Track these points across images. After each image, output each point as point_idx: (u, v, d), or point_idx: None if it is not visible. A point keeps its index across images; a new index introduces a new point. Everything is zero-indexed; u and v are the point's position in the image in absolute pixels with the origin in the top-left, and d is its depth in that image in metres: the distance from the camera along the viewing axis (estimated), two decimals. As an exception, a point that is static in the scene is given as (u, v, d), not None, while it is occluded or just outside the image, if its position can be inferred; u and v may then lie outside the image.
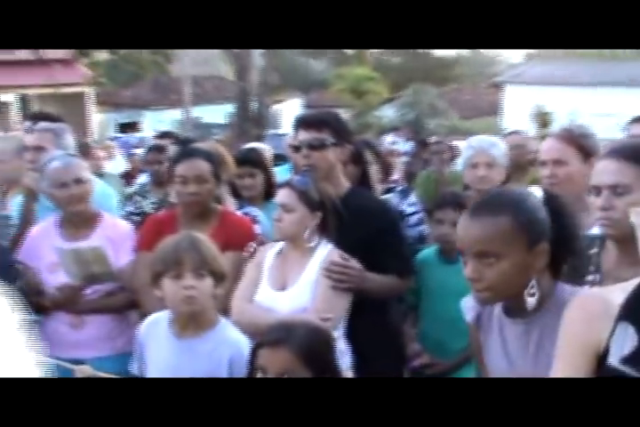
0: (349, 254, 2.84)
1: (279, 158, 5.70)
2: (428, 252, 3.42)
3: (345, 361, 2.71)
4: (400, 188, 4.34)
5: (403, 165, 7.73)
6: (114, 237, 3.28)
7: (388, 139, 9.55)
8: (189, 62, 24.29)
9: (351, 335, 2.85)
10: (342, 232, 2.86)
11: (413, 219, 3.96)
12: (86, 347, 3.14)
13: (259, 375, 2.10)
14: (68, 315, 3.21)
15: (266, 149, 4.43)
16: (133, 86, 30.03)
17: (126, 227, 3.42)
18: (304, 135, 3.04)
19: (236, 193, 3.91)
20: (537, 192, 1.97)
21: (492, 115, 25.83)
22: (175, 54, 23.79)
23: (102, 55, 25.53)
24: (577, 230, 1.98)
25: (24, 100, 24.84)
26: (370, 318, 2.91)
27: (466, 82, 33.28)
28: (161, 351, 2.58)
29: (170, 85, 28.64)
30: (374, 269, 2.89)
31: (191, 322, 2.54)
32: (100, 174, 6.68)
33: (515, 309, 1.97)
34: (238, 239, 3.16)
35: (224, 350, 2.51)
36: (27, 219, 3.54)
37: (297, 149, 3.07)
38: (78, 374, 1.96)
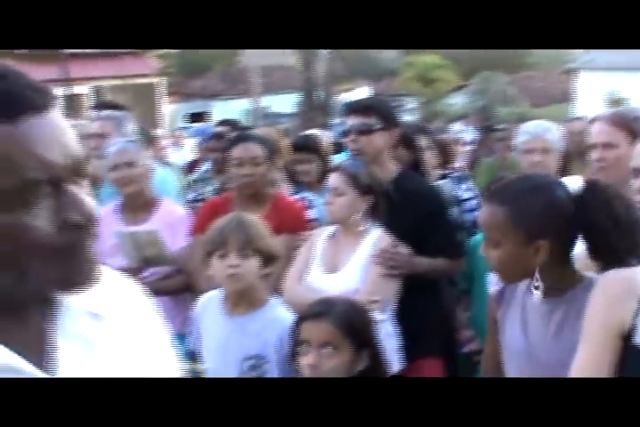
0: (399, 237, 2.86)
1: (343, 146, 5.72)
2: (482, 236, 3.39)
3: (392, 343, 2.73)
4: (456, 174, 4.32)
5: (468, 153, 7.65)
6: (171, 222, 3.37)
7: (456, 127, 9.47)
8: (257, 52, 24.47)
9: (402, 318, 2.87)
10: (392, 215, 2.89)
11: (469, 204, 3.95)
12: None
13: (303, 348, 2.17)
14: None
15: (324, 135, 4.47)
16: (202, 77, 30.45)
17: (183, 212, 3.51)
18: (352, 120, 3.08)
19: (293, 178, 3.96)
20: (577, 182, 1.93)
21: (565, 102, 25.29)
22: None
23: (172, 46, 25.87)
24: (616, 220, 1.85)
25: (97, 92, 25.48)
26: (421, 300, 2.95)
27: (539, 69, 32.62)
28: (213, 329, 2.66)
29: (238, 75, 28.92)
30: (424, 251, 2.91)
31: (241, 301, 2.60)
32: (164, 163, 6.87)
33: (539, 288, 1.95)
34: (291, 223, 3.22)
35: (272, 330, 2.56)
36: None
37: (346, 134, 3.12)
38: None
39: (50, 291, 0.94)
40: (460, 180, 4.11)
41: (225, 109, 28.39)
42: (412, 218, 2.95)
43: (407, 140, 3.48)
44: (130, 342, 1.07)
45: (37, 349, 0.94)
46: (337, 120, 16.63)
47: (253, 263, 2.54)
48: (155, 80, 27.21)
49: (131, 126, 4.07)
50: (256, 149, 3.28)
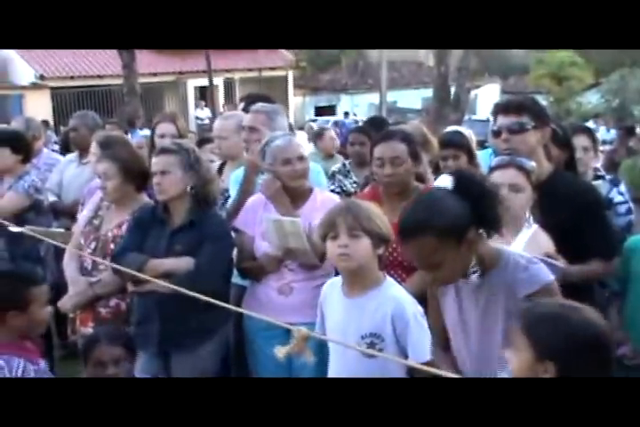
0: (552, 235, 2.84)
1: (477, 144, 5.69)
2: (637, 239, 3.34)
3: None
4: (609, 176, 4.24)
5: (605, 153, 7.43)
6: (323, 211, 3.45)
7: (589, 125, 9.21)
8: (387, 46, 24.41)
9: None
10: (545, 213, 2.88)
11: (622, 208, 3.87)
12: (293, 312, 3.32)
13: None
14: (277, 282, 3.43)
15: (470, 132, 4.45)
16: (331, 70, 30.68)
17: (335, 201, 3.57)
18: (503, 120, 3.08)
19: (441, 174, 3.98)
20: (445, 181, 2.20)
21: None
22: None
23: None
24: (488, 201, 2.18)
25: (229, 84, 26.14)
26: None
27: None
28: (334, 310, 2.82)
29: (367, 70, 29.02)
30: (578, 250, 2.88)
31: (357, 282, 2.75)
32: (330, 155, 7.02)
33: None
34: None
35: (387, 307, 2.69)
36: (246, 190, 3.80)
37: (497, 133, 3.11)
38: (295, 335, 2.12)
39: None
40: (614, 183, 4.03)
41: (352, 103, 28.59)
42: (565, 216, 2.92)
43: (562, 140, 3.44)
44: None
45: None
46: (469, 116, 16.51)
47: (364, 244, 2.67)
48: (285, 73, 27.66)
49: (283, 119, 4.15)
50: (398, 148, 3.31)
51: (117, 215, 3.76)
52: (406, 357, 2.64)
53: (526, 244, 2.81)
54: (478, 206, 2.16)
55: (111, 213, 3.81)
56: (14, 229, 3.47)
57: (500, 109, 3.16)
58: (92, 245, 3.74)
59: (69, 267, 3.79)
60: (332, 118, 22.05)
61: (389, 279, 2.82)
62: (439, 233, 2.12)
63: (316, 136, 7.67)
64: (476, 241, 2.19)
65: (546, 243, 2.82)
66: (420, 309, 2.70)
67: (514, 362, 1.91)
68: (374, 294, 2.73)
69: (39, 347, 2.96)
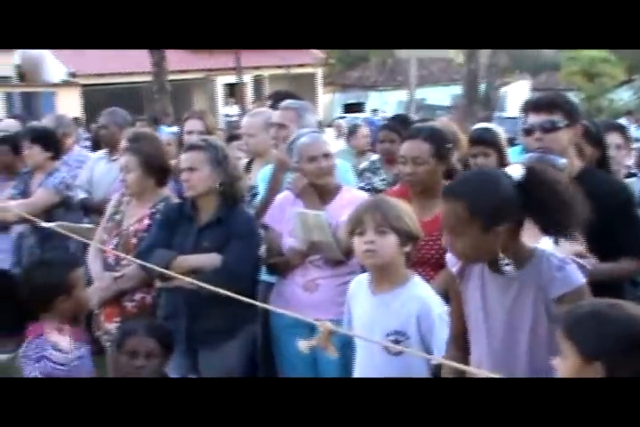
0: (583, 233, 2.80)
1: (507, 141, 5.64)
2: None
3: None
4: (642, 175, 4.18)
5: (637, 150, 7.32)
6: (350, 209, 3.43)
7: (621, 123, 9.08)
8: (416, 44, 24.31)
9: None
10: None
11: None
12: (318, 309, 3.32)
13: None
14: (303, 278, 3.43)
15: (500, 129, 4.40)
16: (360, 67, 30.64)
17: (363, 199, 3.55)
18: (535, 118, 3.04)
19: (470, 172, 3.94)
20: (518, 170, 2.13)
21: None
22: (403, 35, 23.85)
23: (333, 37, 26.16)
24: (555, 198, 2.10)
25: (257, 81, 26.21)
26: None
27: None
28: (360, 307, 2.82)
29: (396, 67, 28.92)
30: (608, 248, 2.84)
31: (384, 279, 2.74)
32: (363, 152, 6.99)
33: (497, 265, 2.18)
34: None
35: (412, 306, 2.68)
36: (274, 188, 3.80)
37: (529, 132, 3.07)
38: (320, 329, 2.12)
39: None
40: (647, 181, 3.97)
41: (381, 100, 28.52)
42: (598, 215, 2.88)
43: (594, 138, 3.39)
44: None
45: None
46: (498, 114, 16.39)
47: (390, 240, 2.66)
48: (314, 70, 27.67)
49: (311, 117, 4.15)
50: (422, 147, 3.28)
51: (138, 210, 3.79)
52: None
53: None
54: (535, 205, 2.09)
55: (132, 207, 3.83)
56: (44, 224, 3.52)
57: (531, 107, 3.11)
58: (115, 241, 3.77)
59: (94, 263, 3.83)
60: (360, 115, 22.01)
61: (416, 277, 2.81)
62: (470, 207, 2.07)
63: (349, 133, 7.66)
64: (506, 235, 2.11)
65: (576, 242, 2.78)
66: (446, 308, 2.68)
67: (561, 369, 1.86)
68: (400, 291, 2.73)
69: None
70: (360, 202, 3.43)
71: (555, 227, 2.13)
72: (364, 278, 2.87)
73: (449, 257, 2.37)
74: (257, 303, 2.40)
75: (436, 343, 2.65)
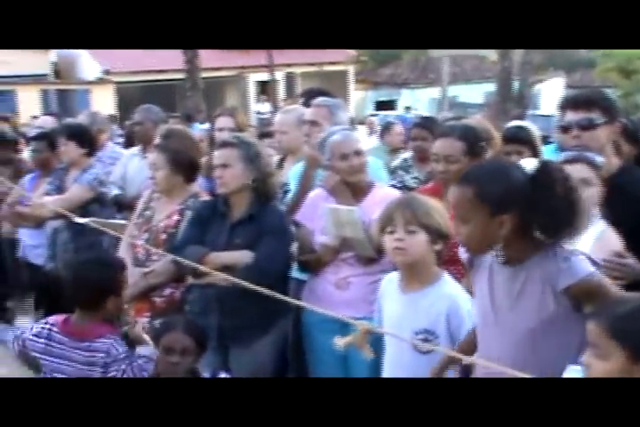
0: (620, 232, 2.77)
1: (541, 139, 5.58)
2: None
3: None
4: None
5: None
6: (383, 206, 3.42)
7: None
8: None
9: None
10: (613, 209, 2.80)
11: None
12: (349, 307, 3.31)
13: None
14: (335, 276, 3.43)
15: (534, 127, 4.35)
16: (392, 65, 30.52)
17: (398, 195, 3.54)
18: (573, 115, 3.00)
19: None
20: (532, 164, 2.15)
21: None
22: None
23: (366, 34, 26.09)
24: (562, 197, 2.11)
25: (289, 78, 26.24)
26: None
27: None
28: (390, 305, 2.82)
29: (428, 64, 28.77)
30: None
31: (414, 277, 2.74)
32: (396, 149, 6.98)
33: (504, 256, 2.23)
34: None
35: (442, 304, 2.68)
36: (305, 185, 3.80)
37: (566, 129, 3.03)
38: (358, 328, 2.12)
39: None
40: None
41: (413, 98, 28.40)
42: (636, 213, 2.84)
43: (632, 135, 3.34)
44: None
45: None
46: (531, 111, 16.21)
47: (420, 238, 2.66)
48: (346, 67, 27.64)
49: (344, 114, 4.15)
50: (453, 146, 3.26)
51: (167, 206, 3.83)
52: None
53: (595, 241, 2.74)
54: (541, 199, 2.10)
55: (161, 204, 3.87)
56: (77, 219, 3.57)
57: (568, 104, 3.07)
58: (145, 236, 3.81)
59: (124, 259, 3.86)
60: (392, 113, 21.93)
61: (446, 276, 2.80)
62: (480, 194, 2.11)
63: (384, 130, 7.64)
64: (511, 226, 2.13)
65: (615, 241, 2.74)
66: None
67: (598, 368, 1.82)
68: (430, 290, 2.73)
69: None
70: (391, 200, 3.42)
71: (553, 225, 2.13)
72: (394, 277, 2.87)
73: (461, 247, 2.40)
74: (289, 300, 2.39)
75: None
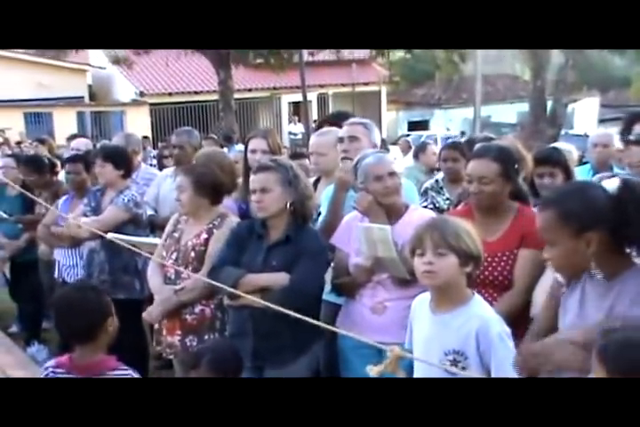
0: None
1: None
2: None
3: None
4: None
5: None
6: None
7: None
8: (482, 60, 24.18)
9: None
10: None
11: None
12: (385, 332, 3.28)
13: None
14: (371, 300, 3.41)
15: (571, 149, 4.32)
16: (425, 85, 30.52)
17: (433, 215, 3.52)
18: None
19: (536, 192, 3.88)
20: (611, 183, 2.17)
21: None
22: (469, 53, 23.76)
23: (398, 54, 26.19)
24: None
25: (322, 99, 26.37)
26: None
27: None
28: (421, 326, 2.81)
29: (461, 84, 28.74)
30: None
31: (444, 298, 2.71)
32: (431, 170, 6.97)
33: (596, 273, 2.24)
34: (534, 236, 3.14)
35: (472, 325, 2.64)
36: (336, 207, 3.80)
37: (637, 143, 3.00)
38: (389, 354, 2.10)
39: None
40: None
41: (446, 118, 28.37)
42: None
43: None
44: None
45: None
46: (565, 131, 16.09)
47: (450, 261, 2.62)
48: (378, 88, 27.71)
49: (377, 133, 4.16)
50: (489, 167, 3.23)
51: (195, 227, 3.92)
52: (489, 376, 2.59)
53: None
54: (624, 217, 2.12)
55: (189, 225, 3.96)
56: (109, 236, 3.60)
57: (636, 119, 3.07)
58: (174, 256, 3.89)
59: (153, 277, 3.95)
60: (425, 133, 21.93)
61: (477, 297, 2.76)
62: (562, 214, 2.15)
63: (418, 150, 7.65)
64: (599, 245, 2.15)
65: None
66: (506, 329, 2.65)
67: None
68: (460, 311, 2.69)
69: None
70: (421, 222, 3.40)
71: (636, 242, 2.15)
72: (425, 297, 2.84)
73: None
74: (323, 325, 2.38)
75: (495, 363, 2.60)
